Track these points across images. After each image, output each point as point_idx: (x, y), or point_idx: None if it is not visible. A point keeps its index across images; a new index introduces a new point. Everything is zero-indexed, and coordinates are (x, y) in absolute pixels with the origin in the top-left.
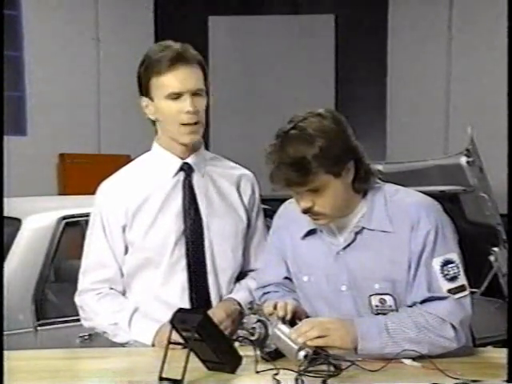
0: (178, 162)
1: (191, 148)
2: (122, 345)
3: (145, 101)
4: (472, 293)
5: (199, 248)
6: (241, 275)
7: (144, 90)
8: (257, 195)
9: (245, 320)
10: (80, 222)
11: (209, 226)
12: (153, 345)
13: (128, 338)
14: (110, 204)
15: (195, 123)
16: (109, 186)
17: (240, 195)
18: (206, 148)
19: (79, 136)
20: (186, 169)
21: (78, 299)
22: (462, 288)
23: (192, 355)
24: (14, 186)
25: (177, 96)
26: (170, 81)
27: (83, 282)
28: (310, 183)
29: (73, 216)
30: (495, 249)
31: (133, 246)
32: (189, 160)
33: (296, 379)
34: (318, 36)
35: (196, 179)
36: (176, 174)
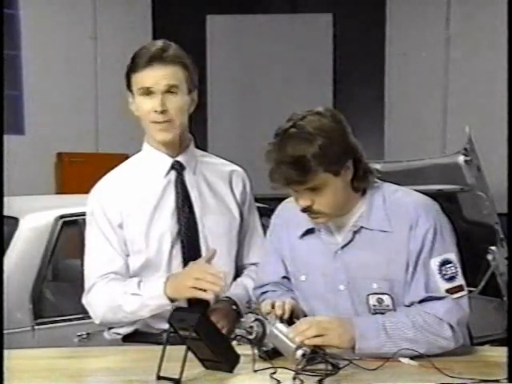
0: (169, 161)
1: (180, 146)
2: (120, 341)
3: (130, 97)
4: (469, 291)
5: (195, 246)
6: (237, 272)
7: (128, 85)
8: (248, 190)
9: (243, 319)
10: (78, 220)
11: (203, 223)
12: (169, 298)
13: (139, 302)
14: (103, 206)
15: (165, 121)
16: (102, 188)
17: (232, 191)
18: (205, 147)
19: (77, 135)
20: (178, 167)
21: (85, 298)
22: (459, 288)
23: (190, 354)
24: (11, 184)
25: (149, 92)
26: (144, 77)
27: (89, 279)
28: (310, 182)
29: (70, 215)
30: (493, 248)
31: (131, 247)
32: (179, 158)
33: (294, 378)
34: (316, 35)
35: (188, 177)
36: (168, 173)
